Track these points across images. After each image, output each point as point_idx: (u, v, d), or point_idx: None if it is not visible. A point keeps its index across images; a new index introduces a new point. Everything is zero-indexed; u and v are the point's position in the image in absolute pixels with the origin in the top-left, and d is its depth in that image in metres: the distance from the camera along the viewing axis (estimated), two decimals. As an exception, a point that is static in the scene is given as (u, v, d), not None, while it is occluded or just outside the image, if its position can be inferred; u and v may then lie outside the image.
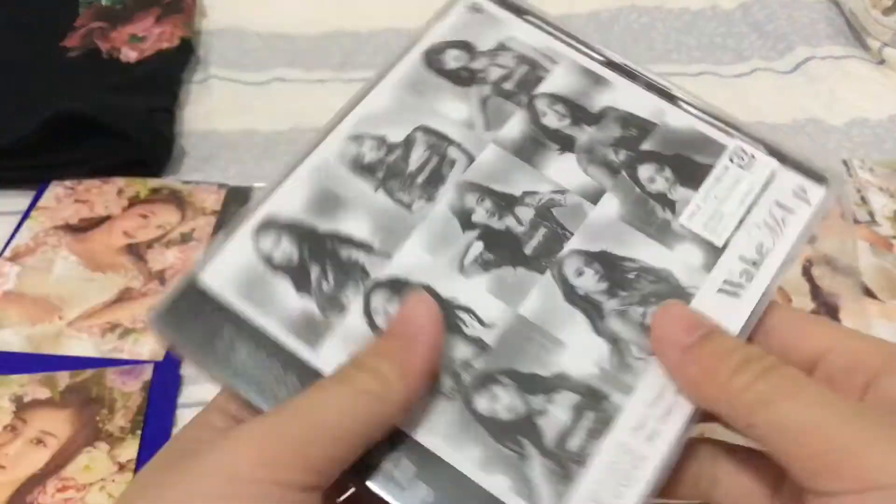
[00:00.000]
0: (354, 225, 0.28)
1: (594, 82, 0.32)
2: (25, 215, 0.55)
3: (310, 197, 0.28)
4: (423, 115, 0.30)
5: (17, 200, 0.57)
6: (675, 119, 0.31)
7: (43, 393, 0.45)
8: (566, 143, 0.30)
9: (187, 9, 0.71)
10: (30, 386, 0.45)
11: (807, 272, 0.52)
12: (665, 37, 0.73)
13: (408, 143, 0.29)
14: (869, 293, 0.51)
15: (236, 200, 0.56)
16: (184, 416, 0.45)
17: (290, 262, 0.27)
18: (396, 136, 0.30)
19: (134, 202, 0.56)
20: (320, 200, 0.28)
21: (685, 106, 0.31)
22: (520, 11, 0.33)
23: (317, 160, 0.29)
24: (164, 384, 0.46)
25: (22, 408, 0.45)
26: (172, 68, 0.67)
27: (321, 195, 0.28)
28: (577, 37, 0.33)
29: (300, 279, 0.27)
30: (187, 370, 0.47)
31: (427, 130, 0.30)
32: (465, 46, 0.32)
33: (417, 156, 0.29)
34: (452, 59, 0.31)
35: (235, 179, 0.59)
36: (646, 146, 0.30)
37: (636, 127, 0.31)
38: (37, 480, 0.42)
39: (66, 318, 0.49)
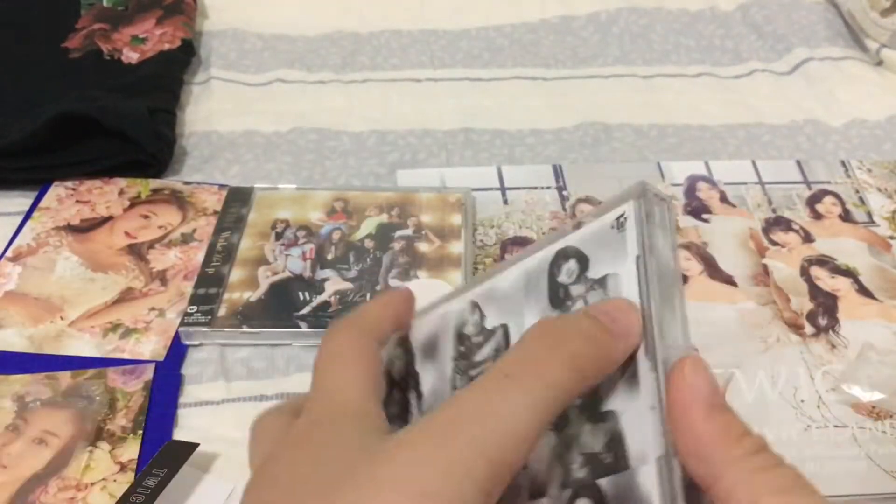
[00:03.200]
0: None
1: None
2: (27, 216, 0.56)
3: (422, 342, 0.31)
4: (513, 316, 0.30)
5: (19, 201, 0.57)
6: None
7: (44, 393, 0.45)
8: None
9: (188, 10, 0.71)
10: (31, 386, 0.46)
11: (805, 272, 0.52)
12: (664, 38, 0.73)
13: (490, 334, 0.30)
14: (867, 293, 0.51)
15: (237, 201, 0.56)
16: (185, 416, 0.45)
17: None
18: (491, 323, 0.30)
19: (135, 202, 0.57)
20: (425, 348, 0.31)
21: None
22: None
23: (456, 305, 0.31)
24: (165, 384, 0.46)
25: (24, 407, 0.45)
26: (173, 69, 0.67)
27: (426, 344, 0.31)
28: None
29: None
30: (188, 370, 0.47)
31: (505, 331, 0.30)
32: (583, 264, 0.29)
33: (487, 350, 0.30)
34: (565, 274, 0.29)
35: (236, 180, 0.59)
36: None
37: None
38: (38, 480, 0.42)
39: (67, 318, 0.49)
